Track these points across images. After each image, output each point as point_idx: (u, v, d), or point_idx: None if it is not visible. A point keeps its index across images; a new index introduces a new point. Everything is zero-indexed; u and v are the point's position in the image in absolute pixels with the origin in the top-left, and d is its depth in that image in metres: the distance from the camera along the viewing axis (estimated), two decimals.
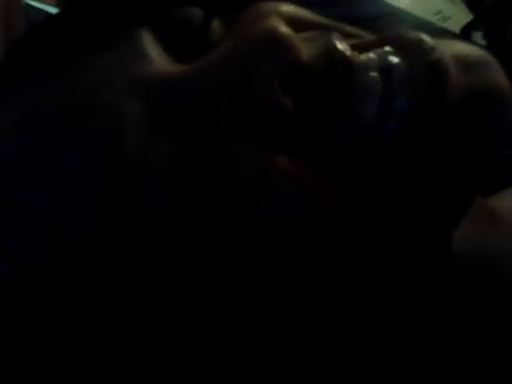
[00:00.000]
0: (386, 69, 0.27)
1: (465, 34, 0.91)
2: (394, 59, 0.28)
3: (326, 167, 0.27)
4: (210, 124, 0.28)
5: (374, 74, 0.27)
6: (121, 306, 0.29)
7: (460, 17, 0.97)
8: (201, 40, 0.30)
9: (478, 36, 0.91)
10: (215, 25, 0.31)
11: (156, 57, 0.29)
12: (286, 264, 0.27)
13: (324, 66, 0.27)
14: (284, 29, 0.26)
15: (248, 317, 0.28)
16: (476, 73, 0.28)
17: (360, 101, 0.27)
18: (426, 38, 0.28)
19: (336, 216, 0.27)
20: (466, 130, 0.27)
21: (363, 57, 0.28)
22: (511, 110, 0.28)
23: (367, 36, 0.32)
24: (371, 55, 0.28)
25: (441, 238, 0.29)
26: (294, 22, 0.30)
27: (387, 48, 0.28)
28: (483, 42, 0.92)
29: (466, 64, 0.28)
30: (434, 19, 0.94)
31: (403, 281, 0.28)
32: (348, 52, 0.27)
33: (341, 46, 0.27)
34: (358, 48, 0.29)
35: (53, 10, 1.62)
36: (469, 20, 0.94)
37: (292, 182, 0.26)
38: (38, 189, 0.28)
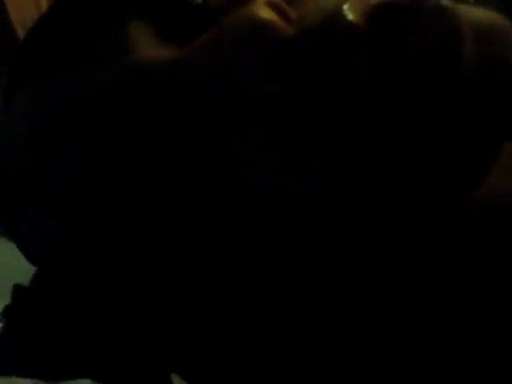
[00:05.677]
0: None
1: None
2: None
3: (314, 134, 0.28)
4: (198, 108, 0.28)
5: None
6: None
7: None
8: (198, 15, 0.30)
9: None
10: None
11: (143, 44, 0.29)
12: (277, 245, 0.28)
13: (326, 31, 0.27)
14: (264, 13, 0.27)
15: (245, 313, 0.29)
16: (491, 42, 0.27)
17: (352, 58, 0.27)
18: (441, 3, 0.27)
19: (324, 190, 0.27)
20: (481, 99, 0.27)
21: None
22: None
23: None
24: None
25: (461, 189, 0.28)
26: None
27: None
28: None
29: (481, 33, 0.27)
30: None
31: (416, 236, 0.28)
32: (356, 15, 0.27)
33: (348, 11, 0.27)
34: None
35: None
36: None
37: (274, 159, 0.27)
38: (53, 173, 0.31)
